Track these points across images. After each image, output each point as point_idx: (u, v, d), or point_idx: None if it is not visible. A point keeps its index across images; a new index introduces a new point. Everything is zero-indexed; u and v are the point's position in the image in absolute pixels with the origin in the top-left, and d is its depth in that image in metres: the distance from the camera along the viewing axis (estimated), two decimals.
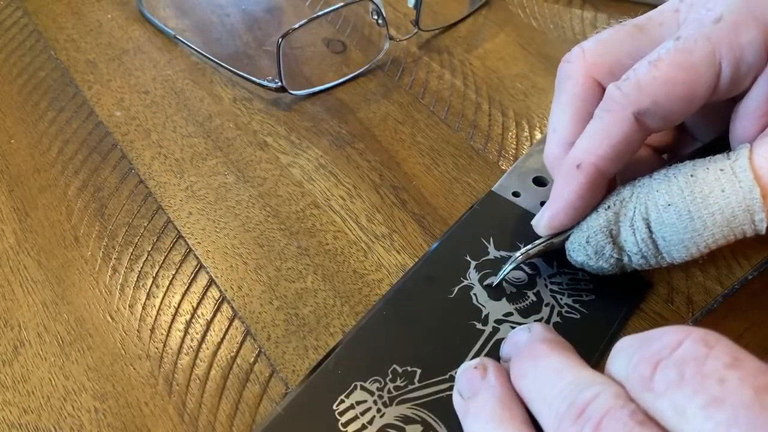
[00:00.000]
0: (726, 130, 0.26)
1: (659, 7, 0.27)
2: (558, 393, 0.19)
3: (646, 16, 0.27)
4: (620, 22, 0.27)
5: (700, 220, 0.23)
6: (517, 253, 0.27)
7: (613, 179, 0.27)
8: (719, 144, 0.27)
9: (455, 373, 0.25)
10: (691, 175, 0.23)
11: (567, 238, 0.27)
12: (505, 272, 0.27)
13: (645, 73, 0.24)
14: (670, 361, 0.16)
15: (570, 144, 0.26)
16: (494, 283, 0.28)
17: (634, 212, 0.24)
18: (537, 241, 0.27)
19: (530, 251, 0.27)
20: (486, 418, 0.21)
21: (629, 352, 0.18)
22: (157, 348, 0.27)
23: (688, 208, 0.23)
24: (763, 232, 0.23)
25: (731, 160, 0.23)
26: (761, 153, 0.22)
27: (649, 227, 0.24)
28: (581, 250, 0.26)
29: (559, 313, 0.27)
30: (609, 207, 0.25)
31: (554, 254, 0.28)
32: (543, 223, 0.27)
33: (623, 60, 0.26)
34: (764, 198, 0.22)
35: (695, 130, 0.30)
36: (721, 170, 0.23)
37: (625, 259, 0.26)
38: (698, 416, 0.15)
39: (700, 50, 0.23)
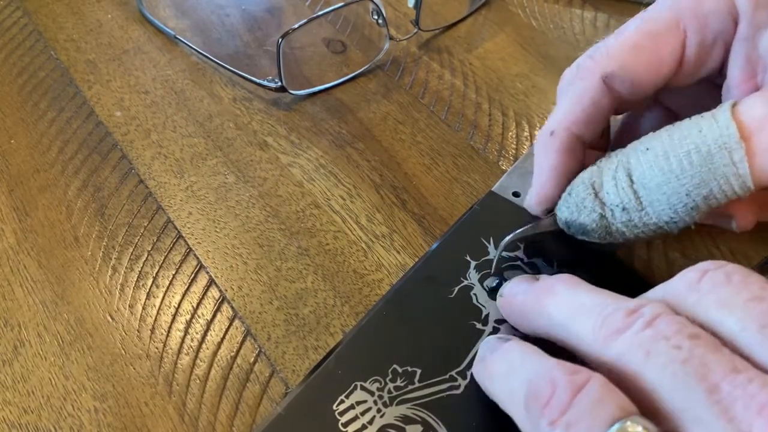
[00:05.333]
0: None
1: None
2: (600, 301, 0.20)
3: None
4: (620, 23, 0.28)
5: (675, 159, 0.22)
6: (507, 237, 0.27)
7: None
8: None
9: (455, 373, 0.25)
10: (673, 125, 0.24)
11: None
12: (497, 255, 0.27)
13: (613, 41, 0.26)
14: (718, 271, 0.19)
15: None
16: (491, 274, 0.27)
17: (617, 164, 0.25)
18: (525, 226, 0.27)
19: (516, 233, 0.27)
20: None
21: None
22: (157, 348, 0.27)
23: (665, 149, 0.23)
24: (749, 178, 0.21)
25: (714, 110, 0.23)
26: (746, 102, 0.22)
27: (630, 176, 0.24)
28: (563, 203, 0.26)
29: None
30: (595, 164, 0.26)
31: (554, 254, 0.28)
32: (532, 199, 0.28)
33: None
34: (746, 141, 0.21)
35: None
36: (702, 117, 0.23)
37: (608, 214, 0.25)
38: (741, 308, 0.18)
39: (664, 19, 0.25)
